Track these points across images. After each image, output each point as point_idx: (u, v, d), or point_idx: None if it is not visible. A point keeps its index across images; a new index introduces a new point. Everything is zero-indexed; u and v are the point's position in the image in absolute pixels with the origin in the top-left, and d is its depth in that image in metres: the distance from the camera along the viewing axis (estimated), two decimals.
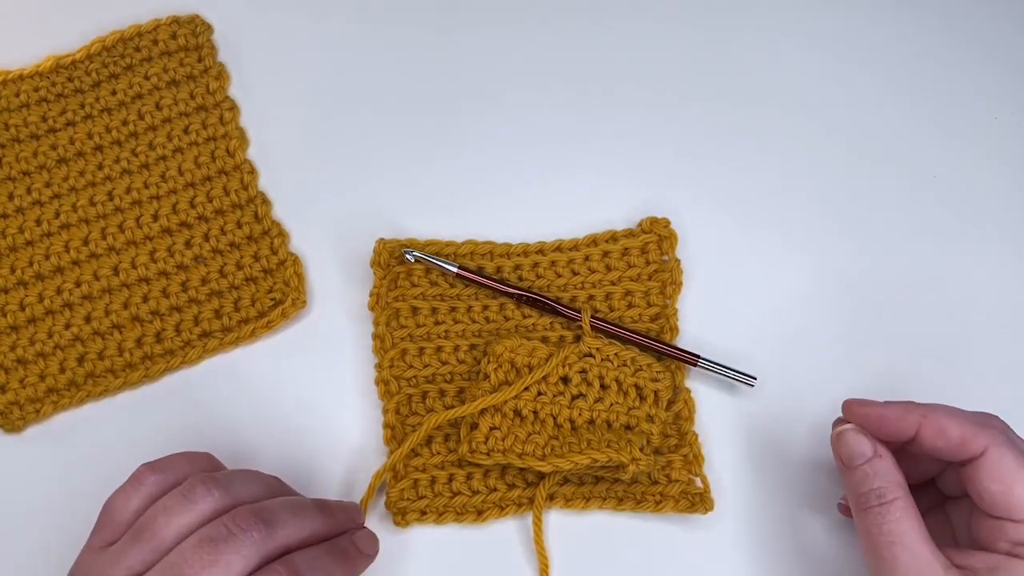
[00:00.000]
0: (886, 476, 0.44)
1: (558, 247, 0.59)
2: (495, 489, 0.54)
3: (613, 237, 0.59)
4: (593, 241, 0.59)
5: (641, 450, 0.50)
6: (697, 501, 0.53)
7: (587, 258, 0.58)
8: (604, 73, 0.64)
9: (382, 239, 0.58)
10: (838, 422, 0.48)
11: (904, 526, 0.43)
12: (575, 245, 0.59)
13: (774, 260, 0.59)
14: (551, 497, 0.53)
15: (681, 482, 0.53)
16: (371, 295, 0.57)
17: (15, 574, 0.54)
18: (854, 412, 0.47)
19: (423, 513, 0.53)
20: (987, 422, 0.45)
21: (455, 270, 0.55)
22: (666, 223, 0.58)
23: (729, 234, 0.60)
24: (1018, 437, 0.45)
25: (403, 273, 0.58)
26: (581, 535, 0.54)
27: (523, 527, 0.54)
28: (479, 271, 0.57)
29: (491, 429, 0.52)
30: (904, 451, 0.47)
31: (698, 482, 0.53)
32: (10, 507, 0.55)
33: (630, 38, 0.65)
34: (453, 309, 0.57)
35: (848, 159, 0.62)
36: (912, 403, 0.46)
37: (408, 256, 0.56)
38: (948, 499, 0.49)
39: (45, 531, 0.55)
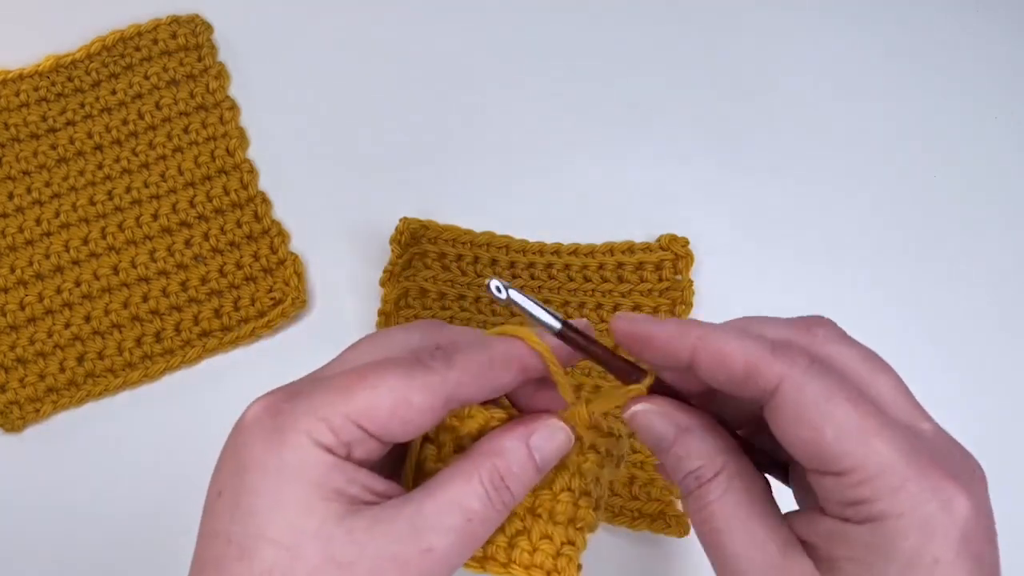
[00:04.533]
0: (700, 453, 0.34)
1: (574, 251, 0.58)
2: None
3: (631, 249, 0.58)
4: (610, 250, 0.58)
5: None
6: (673, 523, 0.52)
7: (601, 266, 0.58)
8: (636, 82, 0.64)
9: (406, 217, 0.58)
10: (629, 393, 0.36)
11: (729, 503, 0.33)
12: (591, 251, 0.58)
13: (787, 293, 0.58)
14: None
15: (660, 502, 0.52)
16: (384, 271, 0.57)
17: (15, 574, 0.54)
18: (619, 330, 0.35)
19: None
20: (791, 337, 0.33)
21: (558, 326, 0.35)
22: (684, 242, 0.58)
23: (745, 261, 0.59)
24: (846, 346, 0.33)
25: (418, 255, 0.58)
26: None
27: None
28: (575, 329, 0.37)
29: None
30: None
31: (678, 504, 0.53)
32: (10, 507, 0.55)
33: (665, 54, 0.64)
34: (461, 297, 0.57)
35: (859, 170, 0.62)
36: (693, 321, 0.34)
37: (497, 291, 0.35)
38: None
39: (45, 531, 0.55)
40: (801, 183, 0.61)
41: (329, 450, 0.32)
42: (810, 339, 0.33)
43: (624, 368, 0.35)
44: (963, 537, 0.29)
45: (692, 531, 0.52)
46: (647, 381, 0.35)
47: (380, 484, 0.34)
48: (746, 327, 0.34)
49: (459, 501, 0.33)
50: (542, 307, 0.35)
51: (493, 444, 0.35)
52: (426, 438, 0.37)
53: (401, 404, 0.32)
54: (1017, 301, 0.59)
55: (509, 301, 0.35)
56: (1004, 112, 0.63)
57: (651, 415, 0.35)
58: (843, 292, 0.59)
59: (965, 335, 0.58)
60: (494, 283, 0.34)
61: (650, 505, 0.52)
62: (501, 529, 0.36)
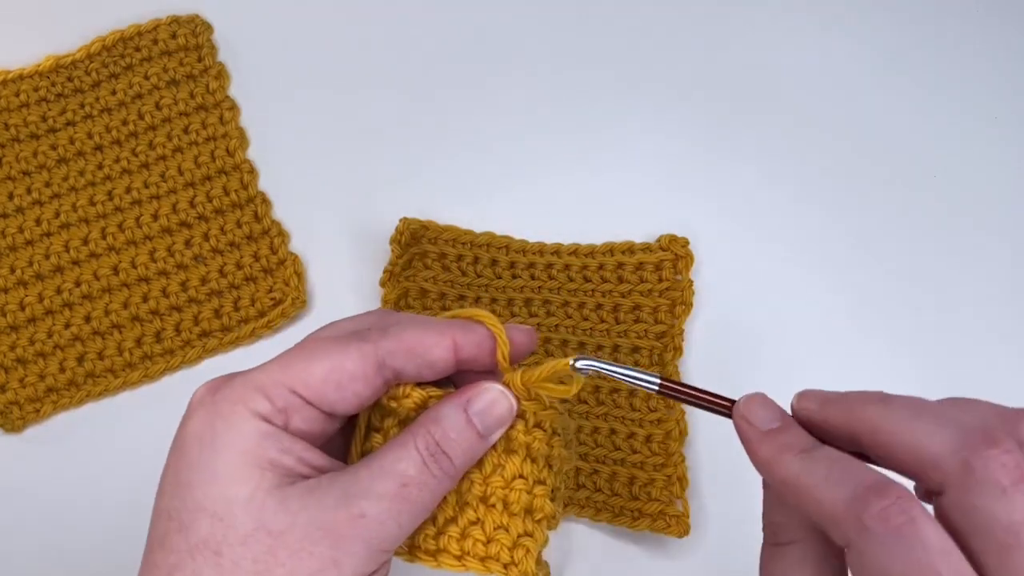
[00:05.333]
0: (781, 512, 0.33)
1: (574, 251, 0.58)
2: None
3: (630, 249, 0.58)
4: (610, 250, 0.58)
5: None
6: (673, 523, 0.52)
7: (601, 267, 0.58)
8: (638, 83, 0.64)
9: (406, 218, 0.58)
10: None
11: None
12: (591, 252, 0.58)
13: (787, 294, 0.58)
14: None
15: (660, 501, 0.52)
16: (384, 271, 0.57)
17: (15, 573, 0.54)
18: (809, 411, 0.33)
19: None
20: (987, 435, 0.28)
21: (656, 385, 0.35)
22: (685, 243, 0.58)
23: (745, 261, 0.59)
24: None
25: (419, 255, 0.58)
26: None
27: None
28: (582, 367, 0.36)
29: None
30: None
31: (678, 505, 0.53)
32: (10, 507, 0.55)
33: (667, 54, 0.64)
34: (461, 297, 0.57)
35: (859, 170, 0.62)
36: (875, 399, 0.31)
37: (582, 369, 0.35)
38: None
39: (45, 531, 0.55)
40: (802, 184, 0.61)
41: (265, 418, 0.33)
42: (963, 473, 0.28)
43: (720, 406, 0.34)
44: None
45: (692, 531, 0.52)
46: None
47: (319, 459, 0.34)
48: (878, 426, 0.30)
49: (393, 467, 0.33)
50: (633, 370, 0.35)
51: (430, 413, 0.35)
52: (372, 427, 0.37)
53: (334, 369, 0.33)
54: (1018, 301, 0.59)
55: (603, 376, 0.35)
56: (1004, 112, 0.63)
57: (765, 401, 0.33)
58: (843, 292, 0.59)
59: (966, 335, 0.58)
60: (579, 362, 0.35)
61: (651, 505, 0.52)
62: (453, 520, 0.36)
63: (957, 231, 0.61)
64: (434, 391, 0.36)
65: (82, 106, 0.62)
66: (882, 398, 0.30)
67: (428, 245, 0.58)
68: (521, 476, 0.36)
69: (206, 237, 0.59)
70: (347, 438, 0.38)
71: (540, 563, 0.37)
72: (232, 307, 0.58)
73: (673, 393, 0.35)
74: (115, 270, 0.58)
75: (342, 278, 0.59)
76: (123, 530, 0.54)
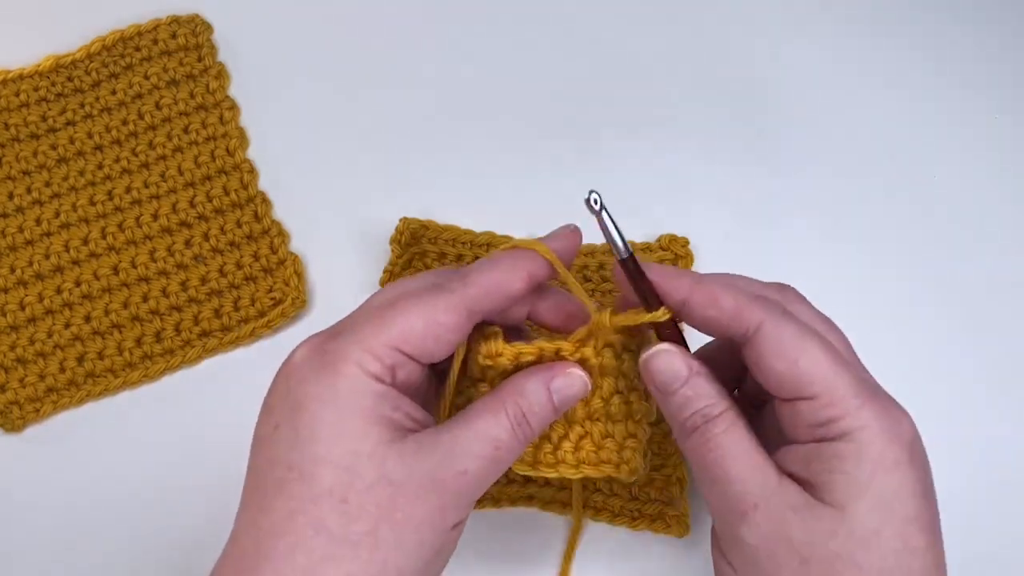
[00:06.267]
0: (708, 393, 0.39)
1: (590, 252, 0.58)
2: (512, 481, 0.53)
3: None
4: (610, 250, 0.58)
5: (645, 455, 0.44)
6: (673, 523, 0.52)
7: (601, 266, 0.58)
8: (638, 82, 0.64)
9: (406, 217, 0.58)
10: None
11: (733, 436, 0.38)
12: (592, 251, 0.58)
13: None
14: (530, 498, 0.53)
15: (659, 502, 0.52)
16: (385, 271, 0.57)
17: (15, 573, 0.54)
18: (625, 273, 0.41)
19: None
20: (766, 293, 0.40)
21: (626, 255, 0.41)
22: (684, 242, 0.58)
23: (745, 261, 0.58)
24: (807, 308, 0.40)
25: (418, 255, 0.58)
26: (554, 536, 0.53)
27: (521, 518, 0.54)
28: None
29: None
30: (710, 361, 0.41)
31: (678, 505, 0.52)
32: (10, 507, 0.55)
33: (668, 54, 0.64)
34: None
35: (861, 171, 0.61)
36: (687, 271, 0.41)
37: (593, 204, 0.41)
38: (758, 408, 0.43)
39: (45, 531, 0.55)
40: (802, 184, 0.61)
41: (377, 377, 0.37)
42: (781, 296, 0.40)
43: (655, 303, 0.40)
44: (911, 449, 0.36)
45: (692, 531, 0.52)
46: (666, 315, 0.40)
47: (418, 412, 0.39)
48: (729, 280, 0.40)
49: (489, 432, 0.38)
50: (620, 235, 0.40)
51: (517, 385, 0.39)
52: (466, 381, 0.42)
53: (432, 324, 0.38)
54: (1019, 300, 0.59)
55: (599, 218, 0.40)
56: (1004, 112, 0.63)
57: (671, 355, 0.39)
58: (844, 292, 0.58)
59: (965, 334, 0.58)
60: (593, 195, 0.40)
61: (650, 506, 0.52)
62: (566, 436, 0.42)
63: (957, 231, 0.60)
64: (524, 348, 0.40)
65: (82, 106, 0.62)
66: (686, 273, 0.40)
67: (428, 245, 0.58)
68: (618, 392, 0.42)
69: (206, 237, 0.59)
70: (430, 383, 0.42)
71: (646, 457, 0.43)
72: (232, 307, 0.58)
73: (629, 273, 0.41)
74: (115, 270, 0.58)
75: (342, 278, 0.59)
76: (123, 530, 0.54)
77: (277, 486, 0.36)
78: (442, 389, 0.43)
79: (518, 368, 0.41)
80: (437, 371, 0.42)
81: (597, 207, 0.40)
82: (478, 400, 0.40)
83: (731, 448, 0.38)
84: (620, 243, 0.40)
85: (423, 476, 0.36)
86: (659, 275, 0.40)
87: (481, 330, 0.41)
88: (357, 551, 0.35)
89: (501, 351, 0.40)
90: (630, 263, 0.40)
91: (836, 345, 0.38)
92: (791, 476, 0.37)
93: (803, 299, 0.41)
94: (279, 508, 0.36)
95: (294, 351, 0.39)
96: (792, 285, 0.42)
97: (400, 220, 0.58)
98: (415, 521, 0.36)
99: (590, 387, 0.41)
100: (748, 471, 0.38)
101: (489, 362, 0.40)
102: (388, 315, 0.38)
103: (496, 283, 0.39)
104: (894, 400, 0.38)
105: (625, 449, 0.42)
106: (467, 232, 0.59)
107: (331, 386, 0.37)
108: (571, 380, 0.40)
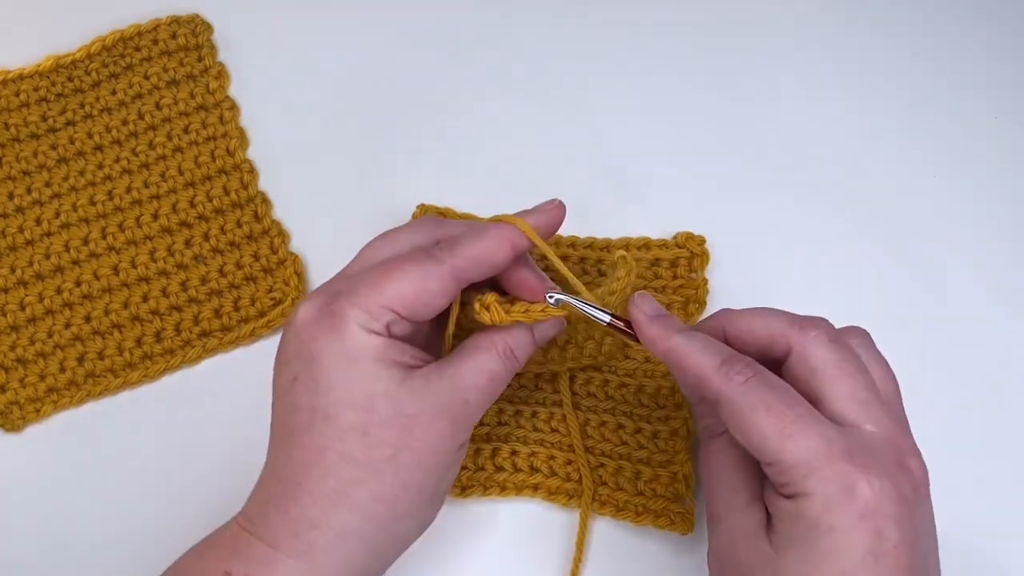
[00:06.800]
0: (712, 414, 0.45)
1: (590, 244, 0.58)
2: (519, 469, 0.54)
3: (646, 245, 0.58)
4: (626, 245, 0.58)
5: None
6: (678, 520, 0.52)
7: (599, 260, 0.58)
8: (660, 79, 0.64)
9: (423, 204, 0.58)
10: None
11: (723, 458, 0.44)
12: (607, 246, 0.58)
13: (802, 294, 0.57)
14: (535, 487, 0.54)
15: (664, 498, 0.52)
16: None
17: (15, 573, 0.54)
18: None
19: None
20: (783, 333, 0.42)
21: (607, 320, 0.46)
22: (701, 240, 0.58)
23: (761, 261, 0.59)
24: (833, 350, 0.41)
25: None
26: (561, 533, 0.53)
27: (532, 512, 0.54)
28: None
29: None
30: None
31: (684, 502, 0.52)
32: (10, 507, 0.55)
33: (688, 52, 0.64)
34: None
35: (878, 173, 0.62)
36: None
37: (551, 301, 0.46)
38: None
39: (45, 531, 0.55)
40: (820, 187, 0.61)
41: (376, 332, 0.42)
42: (799, 337, 0.42)
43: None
44: (862, 514, 0.37)
45: (696, 528, 0.52)
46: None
47: (420, 353, 0.44)
48: (702, 345, 0.43)
49: (485, 366, 0.44)
50: (591, 305, 0.45)
51: (506, 327, 0.45)
52: (461, 322, 0.47)
53: (422, 291, 0.43)
54: (1019, 300, 0.59)
55: (569, 307, 0.45)
56: (1004, 112, 0.63)
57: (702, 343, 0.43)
58: (859, 296, 0.59)
59: (965, 334, 0.58)
60: (553, 299, 0.45)
61: (655, 502, 0.52)
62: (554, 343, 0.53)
63: (957, 231, 0.60)
64: (519, 316, 0.45)
65: (82, 106, 0.62)
66: (731, 309, 0.45)
67: None
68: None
69: (206, 237, 0.59)
70: (428, 327, 0.48)
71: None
72: (232, 307, 0.58)
73: (619, 330, 0.45)
74: (115, 270, 0.58)
75: None
76: (123, 530, 0.54)
77: (305, 427, 0.42)
78: (441, 329, 0.48)
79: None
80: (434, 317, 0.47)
81: (555, 303, 0.45)
82: (472, 338, 0.46)
83: (717, 466, 0.44)
84: (597, 313, 0.45)
85: (433, 407, 0.42)
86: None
87: (478, 288, 0.46)
88: (381, 474, 0.41)
89: (503, 320, 0.45)
90: (615, 323, 0.45)
91: (840, 396, 0.40)
92: (769, 503, 0.41)
93: (829, 338, 0.42)
94: (309, 444, 0.41)
95: (297, 309, 0.44)
96: (824, 319, 0.43)
97: (417, 207, 0.58)
98: (429, 445, 0.42)
99: (565, 325, 0.48)
100: (722, 488, 0.43)
101: (490, 323, 0.45)
102: (383, 280, 0.42)
103: (483, 253, 0.44)
104: (865, 461, 0.38)
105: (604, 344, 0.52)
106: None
107: (339, 341, 0.42)
108: (548, 322, 0.47)
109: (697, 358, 0.42)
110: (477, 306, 0.45)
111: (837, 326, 0.44)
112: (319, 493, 0.41)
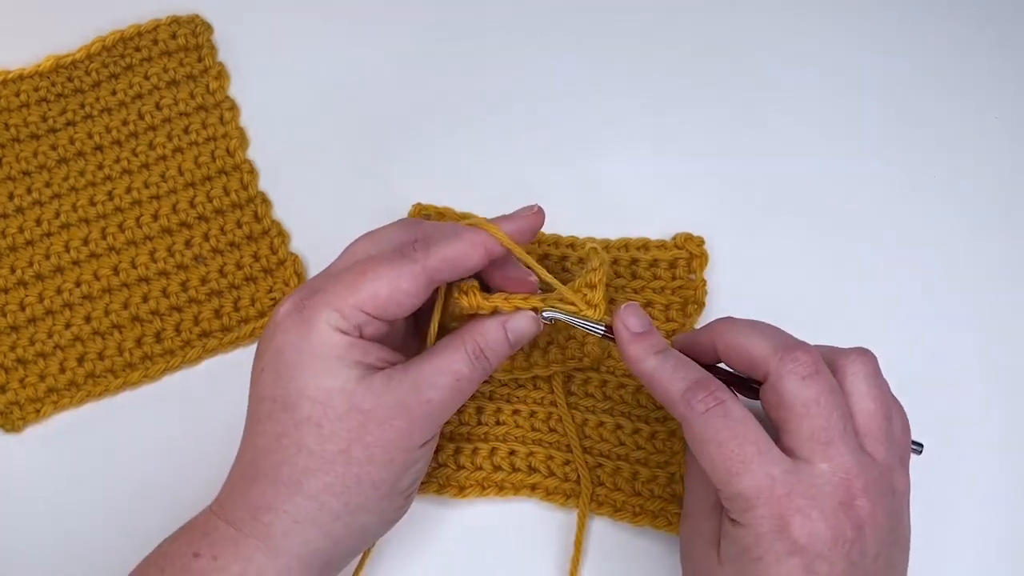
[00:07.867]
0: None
1: (571, 244, 0.58)
2: (517, 469, 0.54)
3: (645, 246, 0.58)
4: (625, 246, 0.58)
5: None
6: (674, 520, 0.52)
7: (615, 261, 0.58)
8: (660, 80, 0.64)
9: (419, 203, 0.58)
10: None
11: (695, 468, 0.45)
12: (606, 246, 0.58)
13: (802, 300, 0.58)
14: (533, 487, 0.54)
15: (662, 499, 0.53)
16: None
17: (15, 573, 0.54)
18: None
19: (441, 486, 0.54)
20: (765, 359, 0.42)
21: (601, 332, 0.47)
22: (700, 242, 0.58)
23: (759, 264, 0.59)
24: (809, 385, 0.41)
25: None
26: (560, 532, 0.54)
27: (529, 511, 0.54)
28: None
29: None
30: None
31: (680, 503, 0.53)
32: (10, 507, 0.55)
33: (687, 51, 0.64)
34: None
35: (876, 172, 0.62)
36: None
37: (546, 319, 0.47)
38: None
39: (45, 531, 0.55)
40: (820, 188, 0.61)
41: (344, 332, 0.43)
42: (779, 365, 0.42)
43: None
44: (791, 551, 0.39)
45: None
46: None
47: (389, 354, 0.45)
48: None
49: (451, 366, 0.44)
50: (585, 322, 0.46)
51: (479, 325, 0.46)
52: (445, 318, 0.48)
53: (395, 291, 0.43)
54: (1019, 300, 0.59)
55: (553, 320, 0.46)
56: (1004, 112, 0.63)
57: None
58: (859, 297, 0.59)
59: (965, 333, 0.58)
60: (547, 318, 0.46)
61: (652, 502, 0.53)
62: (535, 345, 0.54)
63: (957, 230, 0.60)
64: (499, 303, 0.46)
65: (82, 106, 0.62)
66: (729, 319, 0.46)
67: None
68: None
69: (206, 237, 0.59)
70: (406, 324, 0.49)
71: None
72: (232, 307, 0.58)
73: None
74: (115, 270, 0.59)
75: None
76: (123, 529, 0.54)
77: (267, 415, 0.43)
78: (422, 329, 0.49)
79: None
80: (417, 313, 0.47)
81: (551, 321, 0.46)
82: (444, 338, 0.46)
83: (693, 468, 0.46)
84: (592, 327, 0.46)
85: (391, 404, 0.43)
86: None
87: (460, 282, 0.47)
88: (333, 466, 0.42)
89: (481, 306, 0.46)
90: (607, 334, 0.46)
91: (803, 431, 0.41)
92: (722, 518, 0.43)
93: (811, 370, 0.42)
94: (269, 432, 0.43)
95: (279, 306, 0.45)
96: (812, 347, 0.43)
97: (413, 205, 0.58)
98: (384, 441, 0.43)
99: (542, 326, 0.47)
100: (694, 487, 0.46)
101: (469, 311, 0.46)
102: (358, 281, 0.43)
103: (456, 256, 0.44)
104: (804, 500, 0.40)
105: (585, 344, 0.53)
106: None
107: (306, 336, 0.43)
108: (524, 320, 0.46)
109: (666, 384, 0.43)
110: (457, 292, 0.46)
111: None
112: (275, 478, 0.43)
